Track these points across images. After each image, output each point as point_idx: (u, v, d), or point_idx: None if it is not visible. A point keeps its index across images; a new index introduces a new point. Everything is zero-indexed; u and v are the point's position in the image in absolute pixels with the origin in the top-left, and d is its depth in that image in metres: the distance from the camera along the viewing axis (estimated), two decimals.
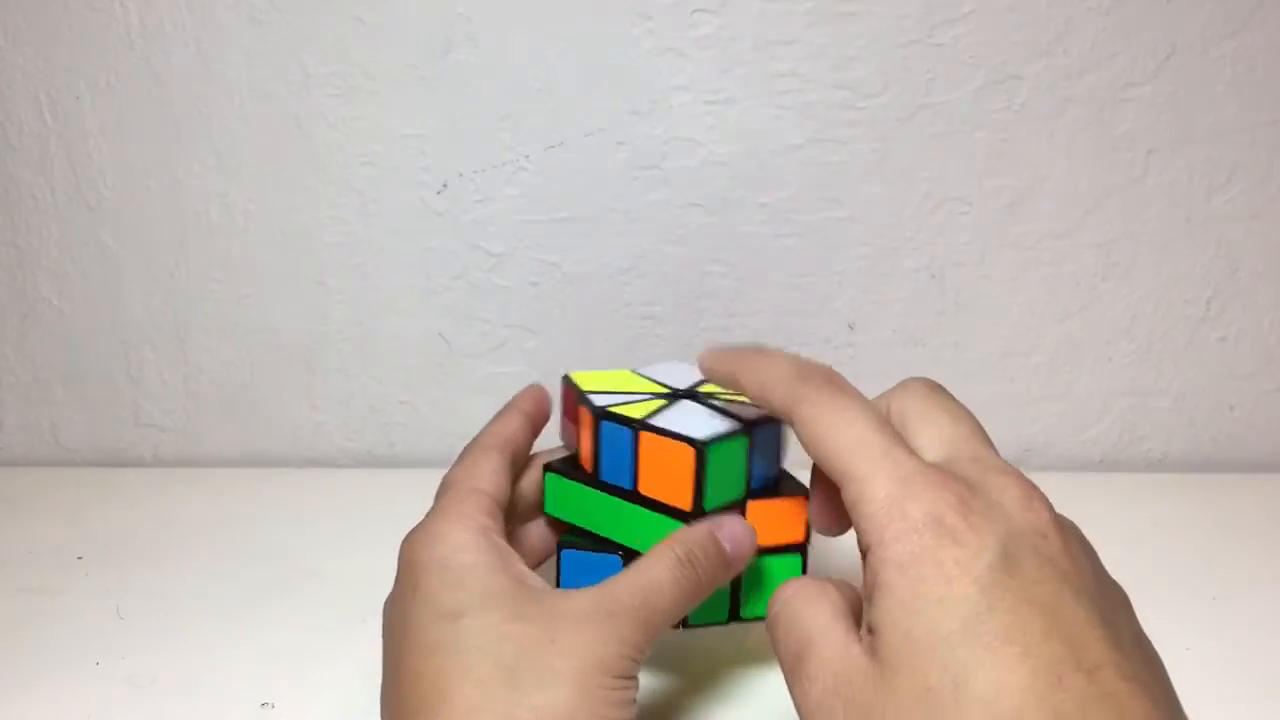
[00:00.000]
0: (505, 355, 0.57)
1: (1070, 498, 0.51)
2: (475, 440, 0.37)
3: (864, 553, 0.26)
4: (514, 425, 0.37)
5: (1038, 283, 0.55)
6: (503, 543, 0.33)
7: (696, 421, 0.35)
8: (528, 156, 0.53)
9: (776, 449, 0.37)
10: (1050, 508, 0.28)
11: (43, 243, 0.56)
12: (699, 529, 0.33)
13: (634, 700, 0.30)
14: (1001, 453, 0.33)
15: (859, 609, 0.27)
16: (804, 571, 0.36)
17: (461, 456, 0.36)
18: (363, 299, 0.56)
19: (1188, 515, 0.52)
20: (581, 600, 0.30)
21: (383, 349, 0.57)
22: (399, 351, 0.57)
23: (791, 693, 0.27)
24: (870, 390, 0.31)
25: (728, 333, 0.55)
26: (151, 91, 0.53)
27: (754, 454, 0.35)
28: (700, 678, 0.39)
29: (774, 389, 0.30)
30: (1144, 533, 0.50)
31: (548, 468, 0.37)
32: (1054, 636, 0.24)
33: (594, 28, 0.51)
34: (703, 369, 0.34)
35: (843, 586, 0.29)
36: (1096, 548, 0.29)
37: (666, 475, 0.34)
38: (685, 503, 0.34)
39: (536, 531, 0.39)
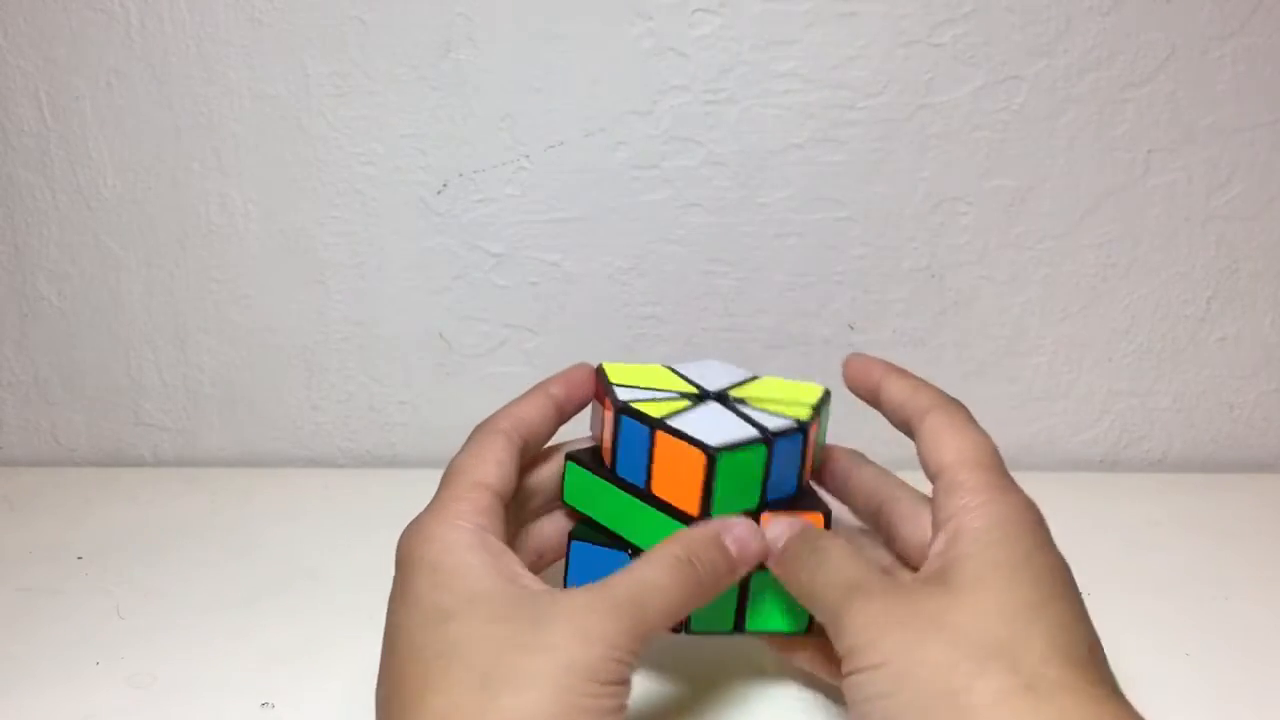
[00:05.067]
0: (505, 355, 0.56)
1: (1070, 498, 0.52)
2: (489, 420, 0.35)
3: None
4: (535, 409, 0.36)
5: (1038, 283, 0.55)
6: (497, 542, 0.32)
7: (717, 426, 0.34)
8: (528, 156, 0.53)
9: (799, 461, 0.35)
10: None
11: (43, 243, 0.56)
12: (703, 529, 0.32)
13: (622, 708, 0.29)
14: (1001, 452, 0.33)
15: None
16: None
17: (470, 438, 0.35)
18: (363, 299, 0.56)
19: (1188, 515, 0.52)
20: (570, 599, 0.29)
21: (383, 349, 0.57)
22: (399, 351, 0.57)
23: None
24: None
25: (728, 333, 0.55)
26: (151, 91, 0.53)
27: (772, 465, 0.34)
28: (702, 686, 0.39)
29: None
30: (1144, 533, 0.50)
31: (570, 457, 0.37)
32: None
33: (594, 28, 0.51)
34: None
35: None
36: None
37: (678, 478, 0.33)
38: (693, 508, 0.33)
39: (551, 525, 0.38)
